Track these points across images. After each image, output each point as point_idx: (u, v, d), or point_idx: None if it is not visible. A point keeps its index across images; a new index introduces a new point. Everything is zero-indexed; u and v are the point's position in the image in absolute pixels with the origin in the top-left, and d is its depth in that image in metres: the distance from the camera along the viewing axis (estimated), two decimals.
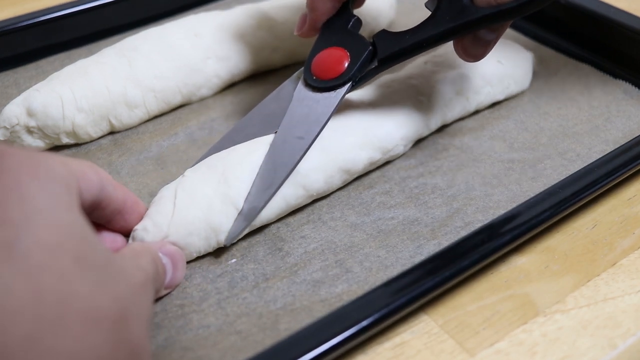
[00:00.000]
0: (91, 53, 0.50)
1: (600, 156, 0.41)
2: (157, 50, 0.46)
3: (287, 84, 0.41)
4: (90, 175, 0.28)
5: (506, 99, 0.48)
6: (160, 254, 0.32)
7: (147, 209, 0.35)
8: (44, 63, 0.51)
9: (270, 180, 0.36)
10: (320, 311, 0.32)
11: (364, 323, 0.30)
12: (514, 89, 0.48)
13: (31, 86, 0.46)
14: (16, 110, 0.42)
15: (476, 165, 0.42)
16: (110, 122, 0.44)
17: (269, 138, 0.38)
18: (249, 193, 0.36)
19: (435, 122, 0.44)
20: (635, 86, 0.48)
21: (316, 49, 0.40)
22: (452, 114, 0.45)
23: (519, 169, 0.42)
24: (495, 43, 0.38)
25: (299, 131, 0.38)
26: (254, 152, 0.37)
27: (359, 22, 0.41)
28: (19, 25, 0.51)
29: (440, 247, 0.35)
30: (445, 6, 0.36)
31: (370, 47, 0.39)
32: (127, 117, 0.45)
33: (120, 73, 0.44)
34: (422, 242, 0.37)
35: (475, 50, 0.38)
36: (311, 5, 0.40)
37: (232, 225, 0.35)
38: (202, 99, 0.48)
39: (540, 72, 0.50)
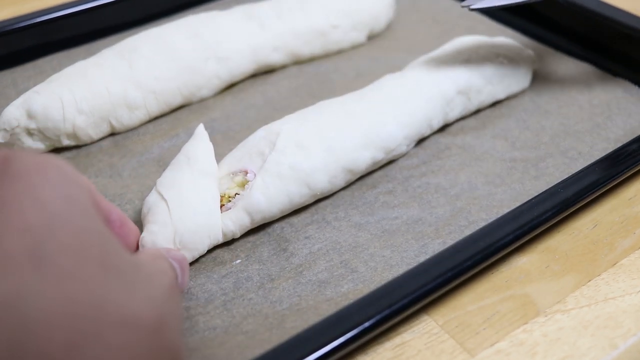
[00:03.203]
0: (90, 52, 0.50)
1: (602, 154, 0.41)
2: (157, 51, 0.46)
3: None
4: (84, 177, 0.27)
5: (507, 98, 0.48)
6: (170, 259, 0.32)
7: (143, 220, 0.35)
8: (41, 62, 0.51)
9: None
10: (327, 311, 0.32)
11: (366, 324, 0.30)
12: (514, 87, 0.48)
13: (29, 86, 0.46)
14: (16, 112, 0.41)
15: (478, 164, 0.42)
16: (110, 123, 0.44)
17: None
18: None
19: (437, 121, 0.44)
20: (635, 84, 0.48)
21: None
22: (453, 113, 0.45)
23: (521, 168, 0.42)
24: None
25: None
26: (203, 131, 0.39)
27: None
28: (18, 26, 0.50)
29: (445, 246, 0.35)
30: None
31: None
32: (128, 118, 0.45)
33: (120, 74, 0.44)
34: (426, 242, 0.37)
35: None
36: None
37: None
38: (202, 100, 0.48)
39: (540, 71, 0.50)
